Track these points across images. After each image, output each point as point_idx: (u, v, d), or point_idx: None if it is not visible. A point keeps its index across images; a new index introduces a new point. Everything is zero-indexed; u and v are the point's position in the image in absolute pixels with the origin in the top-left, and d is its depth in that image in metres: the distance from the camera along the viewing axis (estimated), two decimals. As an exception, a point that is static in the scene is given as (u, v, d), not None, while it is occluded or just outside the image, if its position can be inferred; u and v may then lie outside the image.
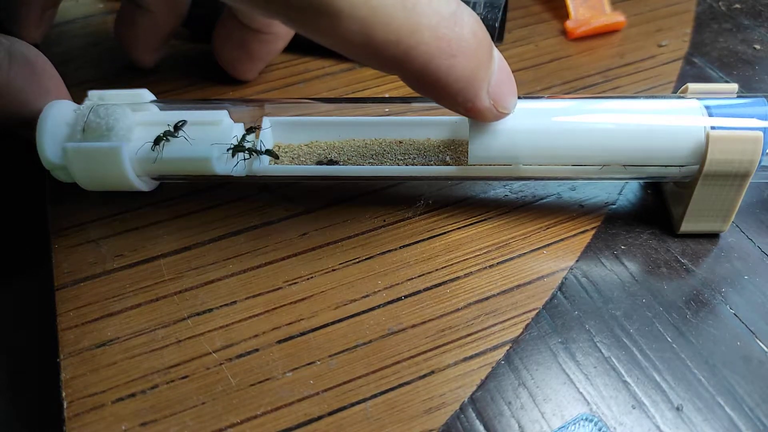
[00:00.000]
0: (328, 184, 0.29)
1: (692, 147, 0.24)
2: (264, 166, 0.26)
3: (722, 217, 0.25)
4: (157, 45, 0.33)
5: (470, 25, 0.20)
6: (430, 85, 0.21)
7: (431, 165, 0.26)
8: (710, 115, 0.25)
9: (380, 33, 0.19)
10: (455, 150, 0.27)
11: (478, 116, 0.23)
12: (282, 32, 0.32)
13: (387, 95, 0.33)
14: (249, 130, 0.27)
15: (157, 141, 0.25)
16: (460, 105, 0.22)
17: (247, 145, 0.26)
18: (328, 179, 0.28)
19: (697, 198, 0.25)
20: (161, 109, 0.27)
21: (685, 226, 0.26)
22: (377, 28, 0.18)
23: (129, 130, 0.26)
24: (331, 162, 0.27)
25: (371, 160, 0.27)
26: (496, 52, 0.22)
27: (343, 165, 0.27)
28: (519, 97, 0.24)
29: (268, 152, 0.26)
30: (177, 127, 0.26)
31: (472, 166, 0.25)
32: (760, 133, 0.23)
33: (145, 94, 0.28)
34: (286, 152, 0.28)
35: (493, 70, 0.22)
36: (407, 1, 0.19)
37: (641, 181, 0.29)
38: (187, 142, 0.26)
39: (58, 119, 0.26)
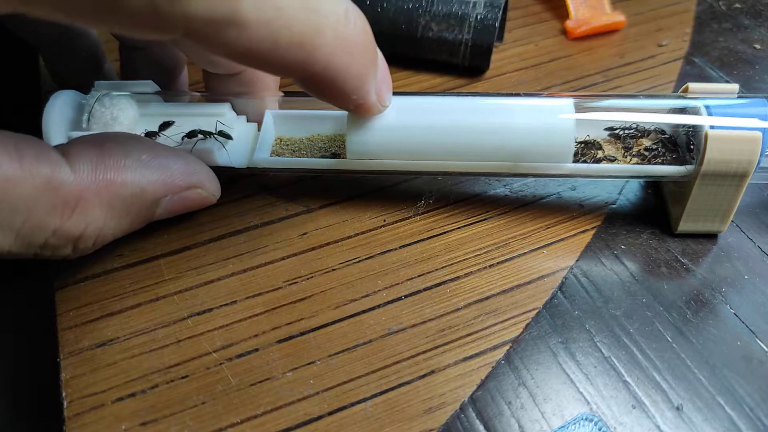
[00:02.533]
0: (328, 180, 0.29)
1: (560, 144, 0.24)
2: (265, 157, 0.26)
3: (720, 218, 0.25)
4: (170, 84, 0.31)
5: (361, 23, 0.21)
6: (328, 84, 0.21)
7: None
8: (710, 114, 0.25)
9: (285, 36, 0.18)
10: None
11: (365, 112, 0.24)
12: (258, 77, 0.28)
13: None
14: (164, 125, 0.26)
15: None
16: (352, 102, 0.22)
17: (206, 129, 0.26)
18: (328, 172, 0.28)
19: (695, 198, 0.25)
20: (166, 100, 0.27)
21: (683, 226, 0.26)
22: (282, 32, 0.18)
23: (134, 120, 0.26)
24: (334, 155, 0.27)
25: None
26: (377, 48, 0.23)
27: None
28: (400, 93, 0.25)
29: (221, 134, 0.26)
30: (162, 127, 0.26)
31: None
32: (759, 134, 0.23)
33: (151, 86, 0.28)
34: (288, 145, 0.28)
35: (378, 66, 0.22)
36: (308, 2, 0.19)
37: (641, 181, 0.29)
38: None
39: (65, 108, 0.26)
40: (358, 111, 0.24)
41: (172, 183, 0.23)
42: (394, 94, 0.25)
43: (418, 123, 0.25)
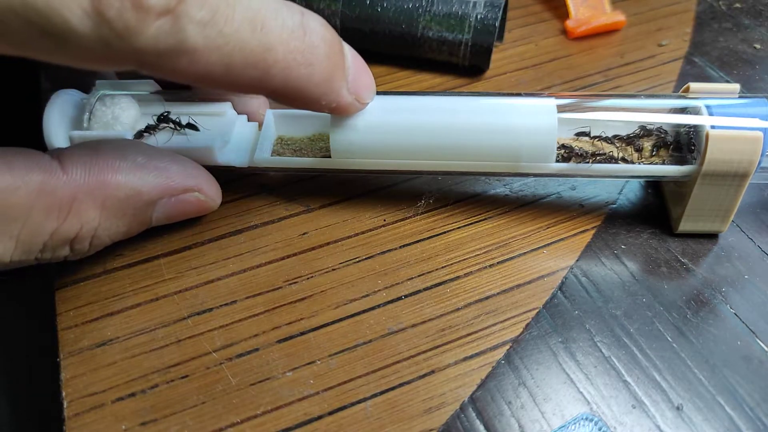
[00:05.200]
0: (328, 180, 0.29)
1: (543, 145, 0.24)
2: (266, 157, 0.26)
3: (721, 218, 0.25)
4: None
5: (318, 32, 0.21)
6: (294, 96, 0.21)
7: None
8: (710, 114, 0.25)
9: (238, 58, 0.19)
10: None
11: (343, 112, 0.24)
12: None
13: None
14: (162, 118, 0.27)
15: (138, 137, 0.25)
16: (325, 107, 0.23)
17: (174, 117, 0.26)
18: (328, 172, 0.28)
19: (696, 198, 0.25)
20: (167, 99, 0.27)
21: (684, 226, 0.26)
22: (234, 54, 0.19)
23: (135, 120, 0.26)
24: None
25: None
26: (346, 47, 0.23)
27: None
28: (386, 93, 0.25)
29: (189, 125, 0.26)
30: (160, 119, 0.26)
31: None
32: (760, 134, 0.23)
33: (152, 85, 0.28)
34: (288, 144, 0.28)
35: (348, 67, 0.23)
36: (255, 22, 0.19)
37: (641, 181, 0.29)
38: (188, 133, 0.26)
39: (65, 108, 0.26)
40: (336, 112, 0.24)
41: (168, 185, 0.24)
42: (382, 93, 0.25)
43: (400, 122, 0.25)
